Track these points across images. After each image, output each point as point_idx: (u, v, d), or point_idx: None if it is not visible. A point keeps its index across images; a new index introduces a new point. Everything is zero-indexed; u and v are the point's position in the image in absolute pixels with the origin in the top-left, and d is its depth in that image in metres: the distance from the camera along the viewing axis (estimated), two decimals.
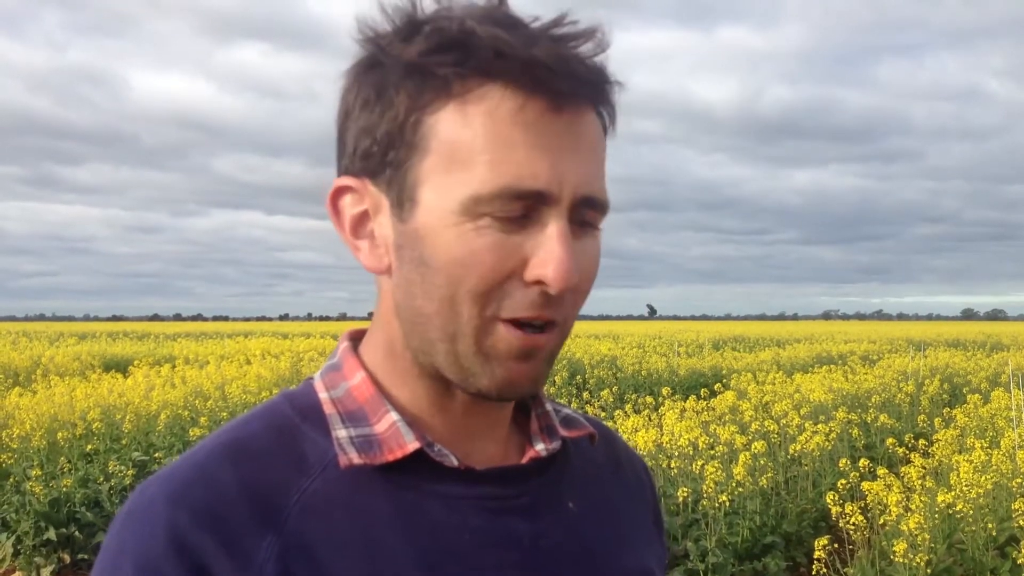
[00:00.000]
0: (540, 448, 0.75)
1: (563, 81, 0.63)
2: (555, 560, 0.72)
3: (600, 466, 0.83)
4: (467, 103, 0.64)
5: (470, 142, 0.63)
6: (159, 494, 0.66)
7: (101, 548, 0.67)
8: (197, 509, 0.64)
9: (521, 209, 0.64)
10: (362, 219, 0.71)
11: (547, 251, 0.64)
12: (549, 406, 0.79)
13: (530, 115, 0.63)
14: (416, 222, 0.66)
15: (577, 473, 0.79)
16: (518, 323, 0.66)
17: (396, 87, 0.66)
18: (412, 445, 0.68)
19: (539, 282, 0.64)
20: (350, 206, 0.71)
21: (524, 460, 0.75)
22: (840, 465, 6.43)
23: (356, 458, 0.68)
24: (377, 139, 0.67)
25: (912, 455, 6.67)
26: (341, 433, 0.69)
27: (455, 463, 0.70)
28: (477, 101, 0.64)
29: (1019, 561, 4.60)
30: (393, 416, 0.70)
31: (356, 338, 0.78)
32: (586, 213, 0.67)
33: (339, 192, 0.71)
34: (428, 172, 0.65)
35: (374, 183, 0.69)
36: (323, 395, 0.72)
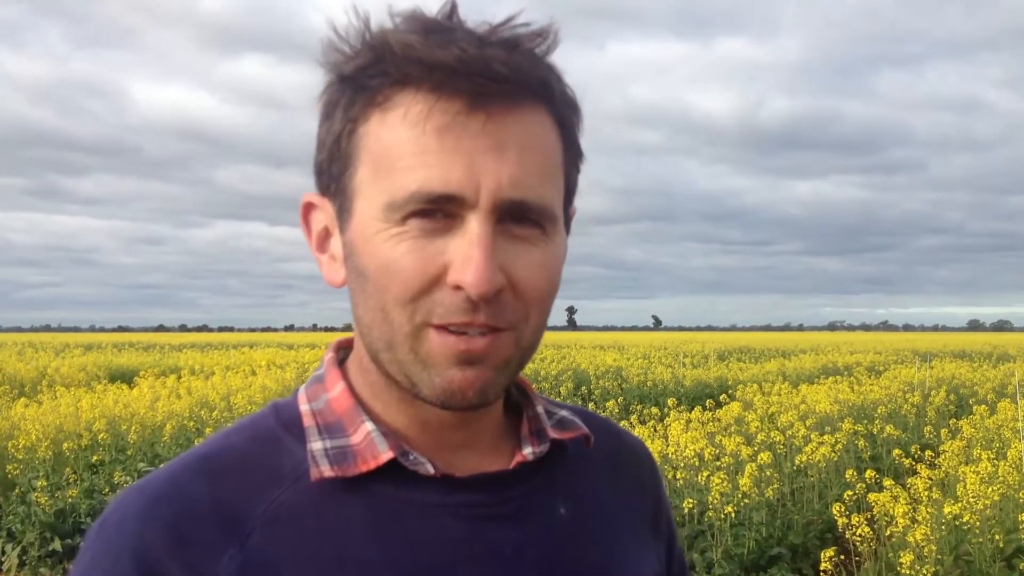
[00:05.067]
0: (528, 452, 0.73)
1: (468, 81, 0.62)
2: (541, 571, 0.70)
3: (599, 467, 0.81)
4: (387, 111, 0.64)
5: (390, 149, 0.64)
6: (131, 508, 0.66)
7: (77, 555, 0.68)
8: (164, 525, 0.64)
9: (439, 214, 0.63)
10: (325, 234, 0.72)
11: (464, 256, 0.62)
12: (541, 408, 0.77)
13: (442, 118, 0.62)
14: (352, 232, 0.67)
15: (572, 476, 0.77)
16: (450, 329, 0.64)
17: (338, 102, 0.67)
18: (386, 455, 0.67)
19: (459, 287, 0.62)
20: (316, 222, 0.73)
21: (511, 466, 0.73)
22: (846, 476, 6.40)
23: (328, 471, 0.67)
24: (325, 154, 0.68)
25: (918, 466, 6.64)
26: (316, 445, 0.69)
27: (431, 471, 0.68)
28: (394, 108, 0.64)
29: None
30: (368, 426, 0.69)
31: (344, 347, 0.77)
32: (522, 216, 0.65)
33: (307, 208, 0.73)
34: (361, 182, 0.66)
35: (328, 198, 0.70)
36: (304, 407, 0.72)
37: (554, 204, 0.67)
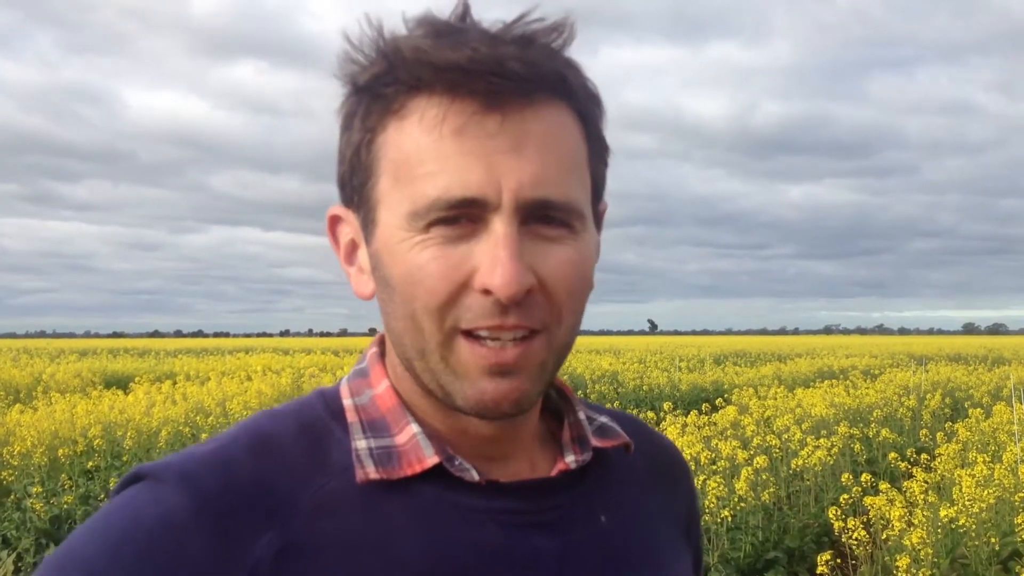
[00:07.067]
0: (570, 460, 0.72)
1: (482, 81, 0.60)
2: None
3: (637, 475, 0.80)
4: (404, 118, 0.63)
5: (409, 156, 0.63)
6: (176, 472, 0.64)
7: (111, 494, 0.66)
8: (204, 496, 0.62)
9: (462, 219, 0.62)
10: (352, 247, 0.71)
11: (491, 258, 0.61)
12: (583, 414, 0.76)
13: (457, 120, 0.61)
14: (376, 243, 0.66)
15: (612, 484, 0.76)
16: (480, 336, 0.63)
17: (355, 114, 0.66)
18: (431, 459, 0.66)
19: (487, 291, 0.61)
20: (343, 235, 0.72)
21: (553, 473, 0.72)
22: (842, 480, 6.42)
23: (373, 472, 0.66)
24: (346, 166, 0.68)
25: (914, 469, 6.65)
26: (360, 444, 0.68)
27: (476, 477, 0.67)
28: (410, 115, 0.63)
29: None
30: (414, 428, 0.68)
31: (384, 342, 0.75)
32: (548, 215, 0.63)
33: (333, 221, 0.72)
34: (383, 192, 0.65)
35: (353, 210, 0.69)
36: (347, 401, 0.71)
37: (580, 201, 0.65)
